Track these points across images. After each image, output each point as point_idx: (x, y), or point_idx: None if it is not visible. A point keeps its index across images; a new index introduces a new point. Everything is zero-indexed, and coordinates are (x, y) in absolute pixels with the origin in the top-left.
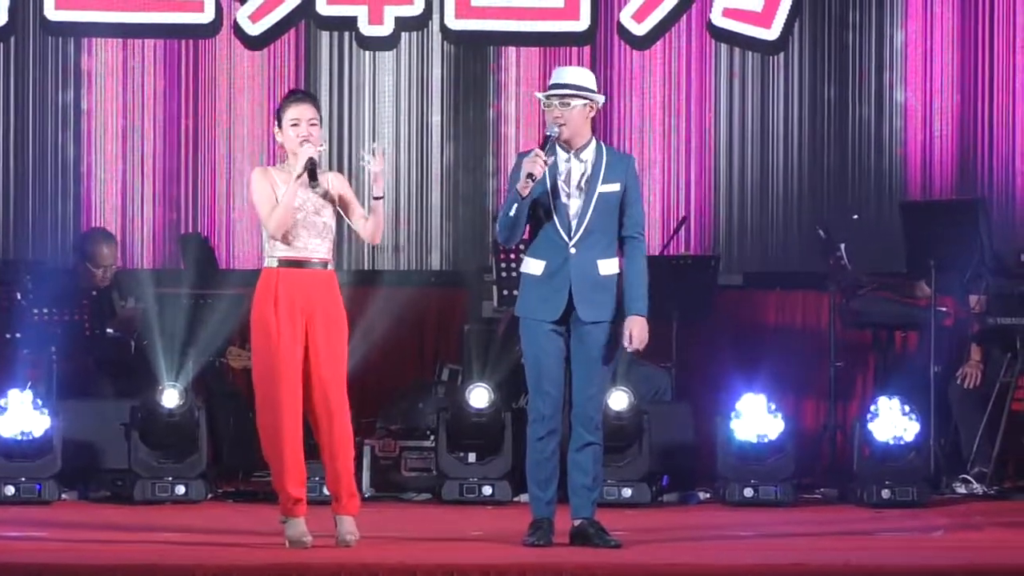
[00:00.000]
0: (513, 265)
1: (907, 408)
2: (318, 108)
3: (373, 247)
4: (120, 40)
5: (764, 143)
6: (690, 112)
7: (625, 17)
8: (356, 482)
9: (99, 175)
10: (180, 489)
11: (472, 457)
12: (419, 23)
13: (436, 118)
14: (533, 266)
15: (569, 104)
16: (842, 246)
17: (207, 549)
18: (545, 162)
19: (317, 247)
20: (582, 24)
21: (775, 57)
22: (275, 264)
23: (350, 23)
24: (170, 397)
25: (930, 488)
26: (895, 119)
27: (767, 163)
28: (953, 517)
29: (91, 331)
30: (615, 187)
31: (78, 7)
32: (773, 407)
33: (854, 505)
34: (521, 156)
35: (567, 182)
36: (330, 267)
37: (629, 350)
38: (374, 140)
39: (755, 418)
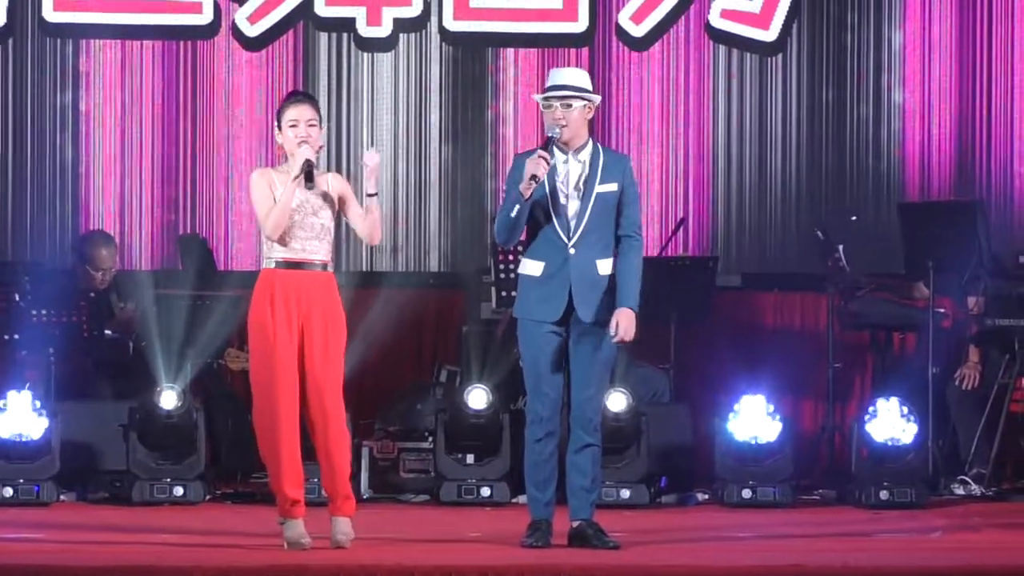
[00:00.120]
0: (512, 266)
1: (905, 409)
2: (318, 109)
3: (372, 248)
4: (119, 41)
5: (762, 144)
6: (688, 113)
7: (623, 18)
8: (354, 484)
9: (97, 176)
10: (178, 490)
11: (470, 458)
12: (417, 24)
13: (434, 119)
14: (532, 267)
15: (571, 105)
16: (840, 247)
17: (205, 550)
18: (548, 163)
19: (315, 248)
20: (580, 25)
21: (773, 58)
22: (273, 265)
23: (348, 24)
24: (168, 398)
25: (928, 489)
26: (893, 120)
27: (765, 164)
28: (951, 518)
29: (89, 332)
30: (613, 187)
31: (77, 8)
32: (771, 408)
33: (852, 506)
34: (518, 157)
35: (565, 183)
36: (329, 269)
37: (614, 341)
38: (372, 141)
39: (753, 419)
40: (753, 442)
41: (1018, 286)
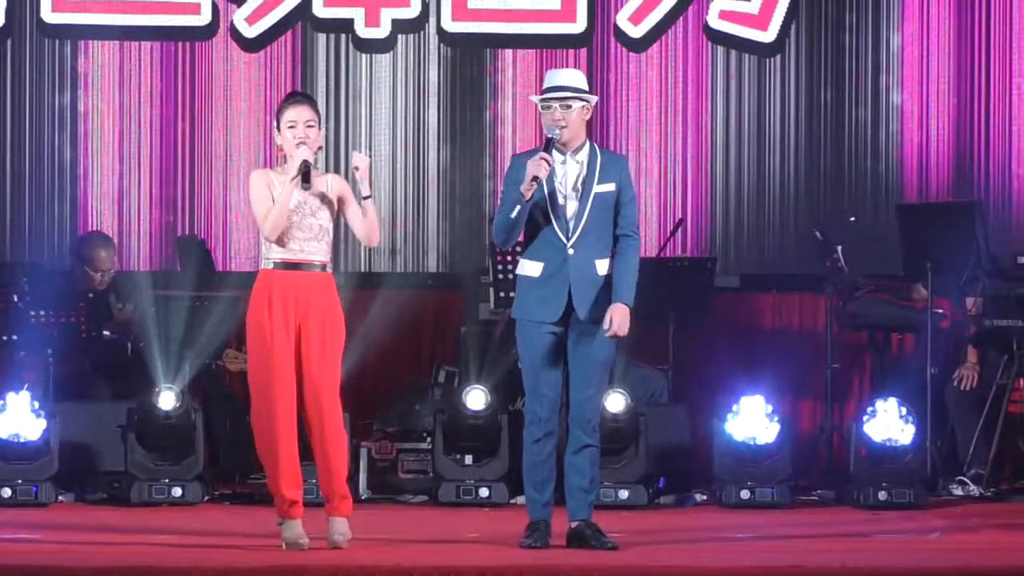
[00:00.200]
0: (510, 267)
1: (904, 410)
2: (317, 110)
3: (370, 249)
4: (117, 42)
5: (761, 145)
6: (687, 114)
7: (622, 19)
8: (352, 484)
9: (96, 177)
10: (177, 491)
11: (469, 459)
12: (416, 25)
13: (433, 120)
14: (530, 268)
15: (570, 106)
16: (839, 248)
17: (204, 551)
18: (550, 164)
19: (314, 249)
20: (579, 26)
21: (771, 59)
22: (271, 266)
23: (347, 25)
24: (167, 399)
25: (927, 490)
26: (891, 121)
27: (764, 165)
28: (950, 519)
29: (88, 333)
30: (610, 187)
31: (75, 9)
32: (770, 409)
33: (851, 507)
34: (516, 159)
35: (563, 184)
36: (328, 269)
37: (607, 335)
38: (371, 142)
39: (752, 420)
40: (751, 443)
41: (1016, 287)
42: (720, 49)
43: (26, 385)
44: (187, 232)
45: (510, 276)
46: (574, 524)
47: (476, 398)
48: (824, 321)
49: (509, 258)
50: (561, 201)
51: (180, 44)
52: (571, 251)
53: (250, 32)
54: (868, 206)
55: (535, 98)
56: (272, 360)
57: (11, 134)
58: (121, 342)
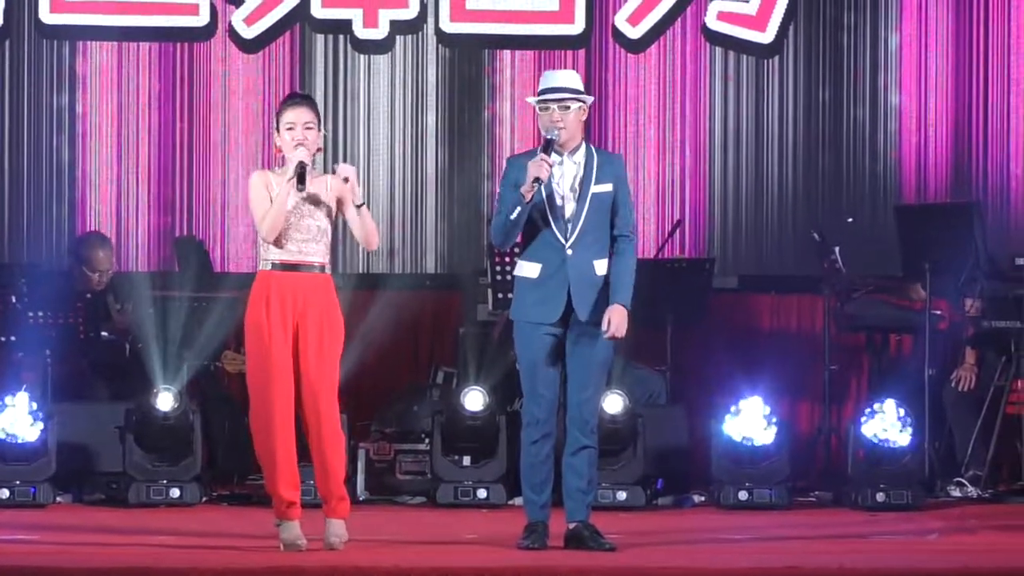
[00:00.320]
0: (508, 268)
1: (902, 411)
2: (316, 111)
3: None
4: (115, 43)
5: (759, 146)
6: (685, 115)
7: (620, 20)
8: (350, 485)
9: (94, 178)
10: (175, 492)
11: (467, 460)
12: (414, 26)
13: (431, 121)
14: (528, 269)
15: (568, 107)
16: (837, 249)
17: (202, 552)
18: (551, 166)
19: (312, 250)
20: (577, 27)
21: (770, 60)
22: (269, 267)
23: (345, 26)
24: (165, 400)
25: (924, 491)
26: (890, 122)
27: (762, 166)
28: (947, 520)
29: (86, 334)
30: (607, 187)
31: (73, 10)
32: (768, 410)
33: (848, 508)
34: (512, 160)
35: (561, 184)
36: (326, 271)
37: (606, 337)
38: (369, 143)
39: (750, 421)
40: (749, 444)
41: (1014, 288)
42: (718, 50)
43: (24, 386)
44: (185, 233)
45: (508, 277)
46: (572, 525)
47: (474, 399)
48: (822, 322)
49: (507, 259)
50: (559, 202)
51: (178, 45)
52: (570, 252)
53: (248, 33)
54: (866, 207)
55: (532, 100)
56: (270, 361)
57: (9, 135)
58: (119, 343)
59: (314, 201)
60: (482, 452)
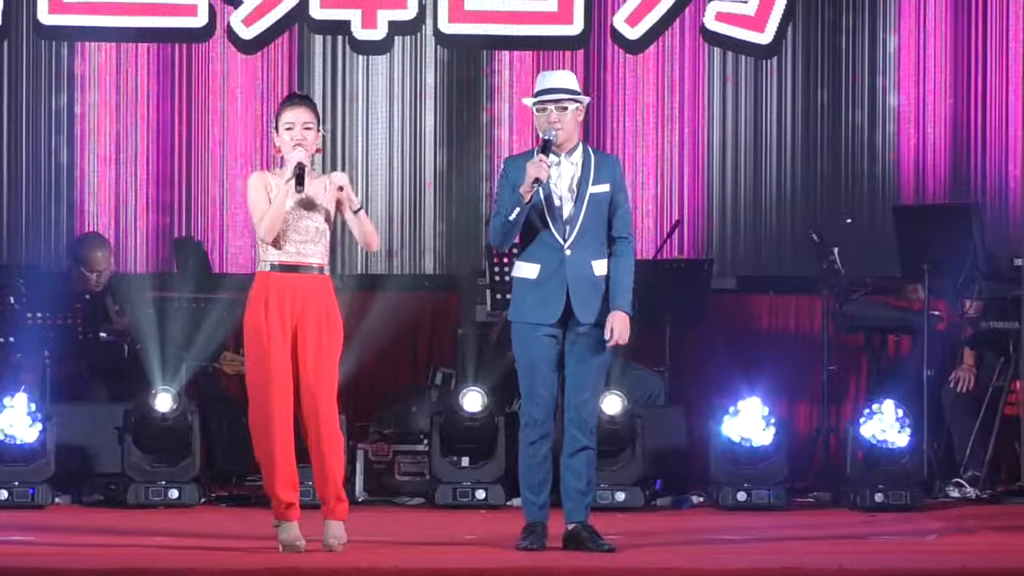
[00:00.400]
0: (507, 269)
1: (900, 412)
2: (315, 112)
3: (367, 252)
4: (114, 44)
5: (757, 147)
6: (683, 116)
7: (618, 21)
8: (348, 486)
9: (92, 179)
10: (173, 493)
11: (465, 461)
12: (412, 27)
13: (429, 122)
14: (527, 270)
15: (565, 108)
16: (835, 250)
17: (200, 553)
18: (549, 166)
19: (311, 252)
20: (575, 28)
21: (768, 61)
22: (268, 268)
23: (343, 27)
24: (163, 401)
25: (923, 492)
26: (888, 123)
27: (760, 167)
28: (946, 521)
29: (84, 335)
30: (605, 188)
31: (72, 11)
32: (766, 411)
33: (847, 509)
34: (509, 161)
35: (559, 185)
36: (325, 271)
37: (610, 345)
38: (367, 144)
39: (748, 422)
40: (748, 445)
41: (1013, 288)
42: (717, 51)
43: (23, 387)
44: (184, 234)
45: (507, 278)
46: (571, 526)
47: (473, 400)
48: (821, 323)
49: (506, 260)
50: (557, 203)
51: (177, 46)
52: (568, 252)
53: (247, 34)
54: (865, 208)
55: (528, 101)
56: (269, 362)
57: (7, 136)
58: (118, 344)
59: (312, 202)
60: (480, 453)
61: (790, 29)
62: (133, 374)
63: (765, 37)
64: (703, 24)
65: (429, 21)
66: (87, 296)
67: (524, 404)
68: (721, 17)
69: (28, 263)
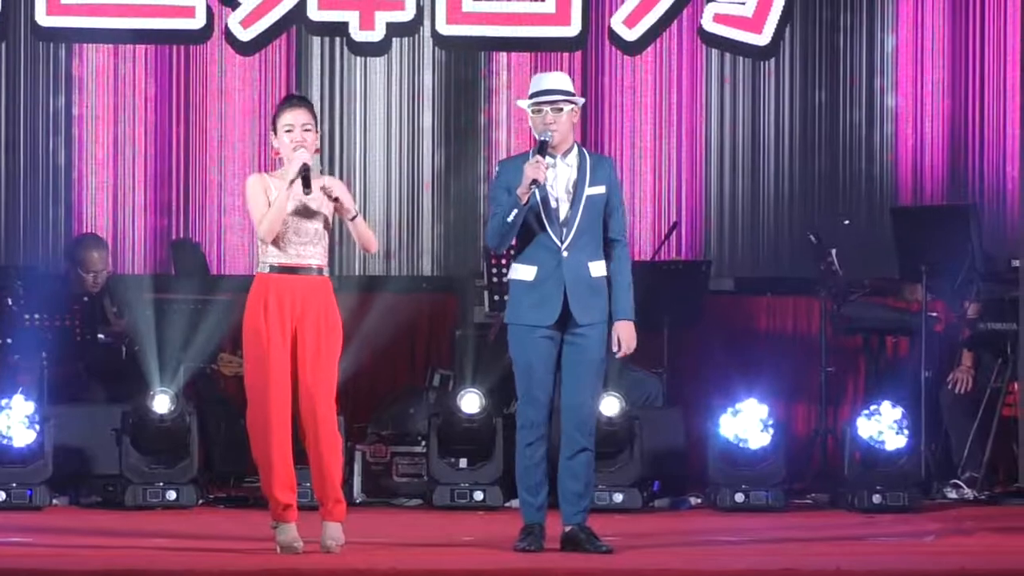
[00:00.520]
0: (504, 270)
1: (898, 413)
2: (313, 113)
3: (365, 253)
4: (111, 46)
5: (755, 148)
6: (681, 117)
7: (616, 22)
8: (346, 488)
9: (90, 181)
10: (171, 494)
11: (463, 462)
12: (410, 29)
13: (427, 123)
14: (524, 272)
15: (561, 109)
16: (833, 251)
17: (198, 554)
18: (546, 167)
19: (310, 253)
20: (573, 29)
21: (766, 62)
22: (267, 270)
23: (341, 29)
24: (161, 402)
25: (921, 493)
26: (886, 124)
27: (758, 168)
28: (944, 522)
29: (82, 336)
30: (601, 189)
31: (69, 13)
32: (764, 412)
33: (845, 510)
34: (503, 164)
35: (555, 187)
36: (324, 273)
37: (618, 356)
38: (365, 145)
39: (746, 423)
40: (746, 446)
41: (1011, 290)
42: (714, 52)
43: (20, 388)
44: (182, 235)
45: (504, 280)
46: (568, 528)
47: (470, 401)
48: (819, 324)
49: (503, 262)
50: (554, 205)
51: (174, 48)
52: (565, 254)
53: (245, 35)
54: (862, 209)
55: (523, 103)
56: (268, 364)
57: (5, 137)
58: (116, 345)
59: (312, 204)
60: (478, 454)
61: (788, 30)
62: (131, 375)
63: (763, 38)
64: (701, 25)
65: (427, 23)
66: (85, 298)
67: (521, 406)
68: (719, 18)
69: (26, 264)
